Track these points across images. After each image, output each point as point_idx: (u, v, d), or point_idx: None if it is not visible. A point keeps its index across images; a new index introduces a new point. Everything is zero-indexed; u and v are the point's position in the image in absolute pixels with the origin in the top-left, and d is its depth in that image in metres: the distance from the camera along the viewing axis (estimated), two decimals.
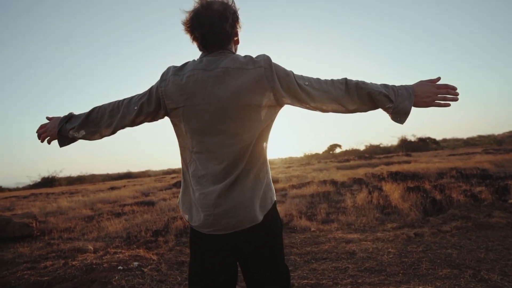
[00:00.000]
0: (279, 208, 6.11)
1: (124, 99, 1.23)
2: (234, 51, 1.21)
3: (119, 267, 3.12)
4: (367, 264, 2.99)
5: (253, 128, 1.09)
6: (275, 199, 1.19)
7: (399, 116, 1.12)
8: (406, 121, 1.13)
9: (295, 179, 12.35)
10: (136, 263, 3.23)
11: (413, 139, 30.79)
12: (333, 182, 9.39)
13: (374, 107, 1.15)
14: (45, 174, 30.89)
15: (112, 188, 16.24)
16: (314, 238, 4.03)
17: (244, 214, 1.08)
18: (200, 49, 1.17)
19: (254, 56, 1.13)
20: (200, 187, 1.10)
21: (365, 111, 1.17)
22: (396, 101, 1.11)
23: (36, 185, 29.76)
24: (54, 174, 30.84)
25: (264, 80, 1.07)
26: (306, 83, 1.11)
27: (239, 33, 1.20)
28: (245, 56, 1.12)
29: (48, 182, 29.78)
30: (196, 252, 1.16)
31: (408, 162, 14.01)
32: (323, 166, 19.75)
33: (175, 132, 1.19)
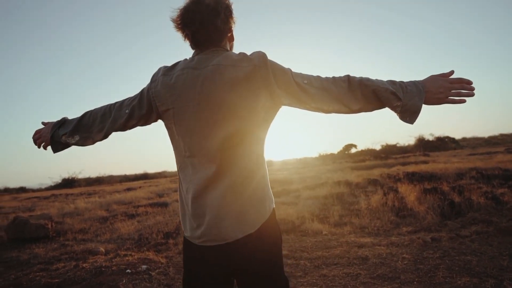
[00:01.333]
0: (292, 210, 6.03)
1: (116, 103, 1.18)
2: (228, 48, 1.14)
3: (127, 270, 3.12)
4: (380, 271, 2.87)
5: (247, 131, 1.01)
6: (274, 206, 1.10)
7: (408, 115, 1.01)
8: (417, 120, 1.02)
9: (309, 180, 12.20)
10: (144, 267, 3.22)
11: (431, 138, 30.01)
12: (348, 183, 9.21)
13: (380, 106, 1.04)
14: (66, 175, 31.85)
15: (129, 189, 16.53)
16: (325, 242, 3.92)
17: (236, 223, 1.00)
18: (192, 48, 1.10)
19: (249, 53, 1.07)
20: (191, 194, 1.04)
21: (371, 110, 1.07)
22: (405, 99, 1.00)
23: (57, 186, 30.71)
24: (73, 176, 31.78)
25: (259, 78, 0.99)
26: (305, 81, 1.02)
27: (233, 28, 1.12)
28: (239, 53, 1.05)
29: (68, 183, 30.66)
30: (188, 265, 1.09)
31: (426, 162, 13.60)
32: (338, 166, 19.46)
33: (169, 136, 1.13)
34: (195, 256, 1.06)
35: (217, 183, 1.01)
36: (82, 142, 1.21)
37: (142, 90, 1.14)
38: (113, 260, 3.64)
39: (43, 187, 32.96)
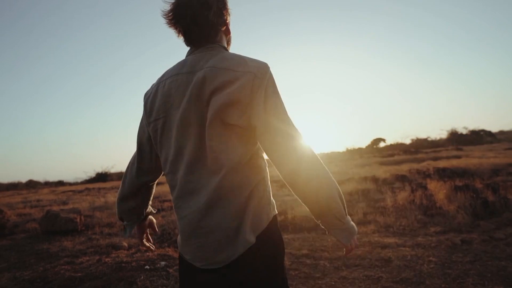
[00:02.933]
0: None
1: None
2: (225, 43, 1.06)
3: (146, 267, 3.18)
4: (404, 274, 2.72)
5: (236, 143, 0.91)
6: (276, 213, 1.00)
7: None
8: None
9: (335, 176, 11.80)
10: (163, 263, 3.27)
11: (464, 131, 28.41)
12: (374, 179, 8.92)
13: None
14: (99, 169, 33.27)
15: (157, 184, 16.98)
16: None
17: (225, 238, 0.89)
18: (187, 44, 1.03)
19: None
20: (179, 211, 0.98)
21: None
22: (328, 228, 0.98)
23: (91, 180, 32.16)
24: (106, 170, 33.11)
25: (248, 90, 0.87)
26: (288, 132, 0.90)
27: (228, 21, 1.04)
28: (239, 56, 0.94)
29: (101, 177, 31.99)
30: (181, 279, 1.03)
31: (458, 157, 12.90)
32: (366, 161, 18.93)
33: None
34: (186, 272, 1.00)
35: (202, 197, 0.94)
36: (130, 216, 1.22)
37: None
38: (134, 255, 3.73)
39: (78, 181, 34.62)
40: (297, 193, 0.93)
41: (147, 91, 1.06)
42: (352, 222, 0.98)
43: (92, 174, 33.11)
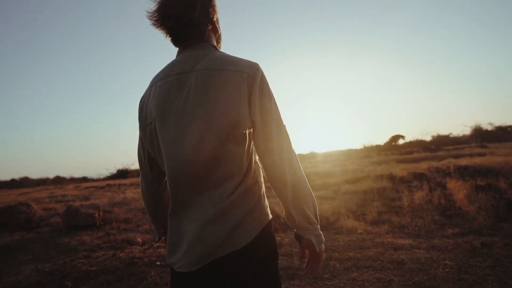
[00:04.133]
0: (328, 206, 5.82)
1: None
2: (214, 42, 1.04)
3: (157, 263, 3.22)
4: (417, 278, 2.62)
5: (234, 146, 0.90)
6: (270, 218, 0.98)
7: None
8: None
9: (350, 173, 11.76)
10: None
11: (489, 127, 27.19)
12: (391, 177, 8.69)
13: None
14: (120, 166, 34.14)
15: None
16: (359, 242, 3.70)
17: (213, 242, 0.88)
18: (175, 45, 1.01)
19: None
20: (171, 214, 0.96)
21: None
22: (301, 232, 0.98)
23: (112, 177, 33.07)
24: (127, 167, 33.92)
25: (245, 88, 0.88)
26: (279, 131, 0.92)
27: (215, 19, 1.01)
28: (230, 56, 0.94)
29: (122, 174, 32.81)
30: None
31: (482, 154, 12.36)
32: (383, 159, 18.51)
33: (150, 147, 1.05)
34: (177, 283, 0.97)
35: (192, 200, 0.94)
36: (159, 222, 1.16)
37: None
38: (146, 251, 3.79)
39: (101, 177, 35.75)
40: (280, 192, 0.94)
41: (142, 97, 1.04)
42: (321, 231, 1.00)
43: (113, 170, 34.03)
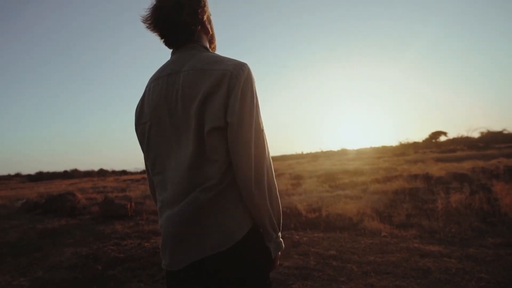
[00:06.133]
0: (352, 205, 5.49)
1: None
2: (207, 43, 1.05)
3: None
4: None
5: (220, 146, 0.89)
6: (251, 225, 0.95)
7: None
8: None
9: (382, 172, 11.17)
10: None
11: None
12: (426, 177, 8.08)
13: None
14: None
15: None
16: (382, 246, 3.40)
17: (192, 242, 0.89)
18: (168, 47, 1.04)
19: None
20: (161, 214, 0.97)
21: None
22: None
23: None
24: None
25: (225, 86, 0.87)
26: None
27: (205, 19, 1.02)
28: (216, 56, 0.95)
29: None
30: None
31: None
32: (420, 157, 17.41)
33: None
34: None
35: (179, 201, 0.93)
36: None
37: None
38: None
39: (138, 170, 37.79)
40: (250, 198, 0.90)
41: (141, 97, 1.07)
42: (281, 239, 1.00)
43: None
